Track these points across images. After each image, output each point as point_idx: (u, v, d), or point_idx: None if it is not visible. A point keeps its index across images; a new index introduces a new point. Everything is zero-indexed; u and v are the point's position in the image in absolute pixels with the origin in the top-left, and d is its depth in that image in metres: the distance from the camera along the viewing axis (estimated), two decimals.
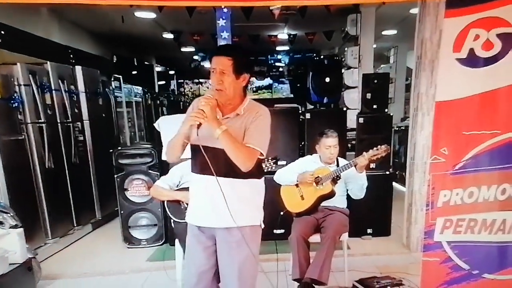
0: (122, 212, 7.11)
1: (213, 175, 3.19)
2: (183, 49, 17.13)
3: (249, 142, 3.29)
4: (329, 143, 5.37)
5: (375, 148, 5.10)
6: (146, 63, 17.05)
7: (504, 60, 3.24)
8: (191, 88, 22.41)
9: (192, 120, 3.09)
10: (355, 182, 5.35)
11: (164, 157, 3.44)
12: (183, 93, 22.04)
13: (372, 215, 7.03)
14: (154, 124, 6.51)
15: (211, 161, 3.16)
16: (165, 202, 5.19)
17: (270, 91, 20.59)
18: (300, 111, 7.85)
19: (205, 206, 3.37)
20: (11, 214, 5.20)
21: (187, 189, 4.12)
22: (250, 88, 20.52)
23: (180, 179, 5.00)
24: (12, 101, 6.31)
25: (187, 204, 4.60)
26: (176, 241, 5.19)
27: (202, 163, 3.24)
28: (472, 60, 3.28)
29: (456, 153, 3.43)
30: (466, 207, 3.48)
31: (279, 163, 5.51)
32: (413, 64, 6.50)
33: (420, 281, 3.71)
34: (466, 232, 3.50)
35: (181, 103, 19.04)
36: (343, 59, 11.34)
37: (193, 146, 3.31)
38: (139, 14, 10.94)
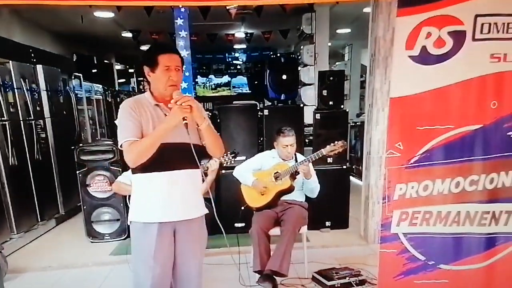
0: (85, 207, 7.08)
1: (180, 170, 3.25)
2: (142, 48, 16.77)
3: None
4: (286, 142, 5.40)
5: (332, 144, 5.16)
6: (106, 61, 16.92)
7: (455, 57, 3.27)
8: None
9: (183, 113, 3.06)
10: (305, 186, 5.44)
11: (131, 162, 3.16)
12: (143, 90, 21.52)
13: (330, 208, 7.07)
14: (116, 121, 6.45)
15: (177, 156, 3.22)
16: (127, 197, 5.16)
17: (229, 88, 20.65)
18: (258, 108, 7.86)
19: (174, 201, 3.32)
20: None
21: None
22: (209, 85, 20.59)
23: None
24: None
25: None
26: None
27: (172, 159, 3.23)
28: (424, 57, 3.29)
29: (411, 147, 3.45)
30: (421, 200, 3.50)
31: (239, 158, 5.53)
32: (367, 61, 6.55)
33: (378, 272, 3.73)
34: (422, 224, 3.52)
35: None
36: (299, 57, 11.41)
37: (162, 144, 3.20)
38: (98, 14, 10.85)
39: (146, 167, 3.25)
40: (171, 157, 3.21)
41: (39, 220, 7.78)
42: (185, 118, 3.08)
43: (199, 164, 3.35)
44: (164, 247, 3.37)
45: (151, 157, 3.17)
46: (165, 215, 3.33)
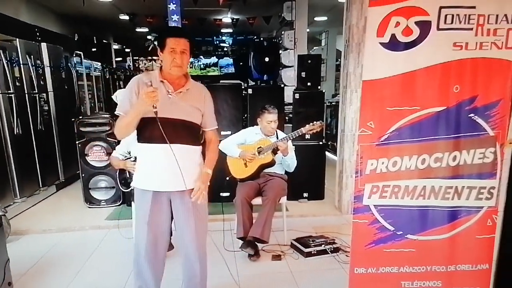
0: (83, 175, 7.17)
1: (167, 143, 3.23)
2: (138, 30, 17.34)
3: (213, 125, 3.67)
4: (270, 118, 5.43)
5: (311, 124, 5.24)
6: (104, 41, 16.99)
7: (421, 45, 3.24)
8: (145, 64, 22.91)
9: (151, 101, 3.07)
10: (283, 161, 5.47)
11: (116, 135, 3.34)
12: (138, 68, 22.24)
13: (307, 181, 7.13)
14: (112, 96, 6.46)
15: (167, 131, 3.23)
16: (117, 172, 5.17)
17: (217, 68, 20.77)
18: (243, 87, 7.88)
19: (164, 172, 3.37)
20: None
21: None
22: (198, 65, 20.66)
23: (127, 148, 4.91)
24: None
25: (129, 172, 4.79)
26: (133, 203, 5.13)
27: (159, 134, 3.23)
28: (393, 44, 3.27)
29: (381, 126, 3.43)
30: (390, 174, 3.49)
31: (224, 133, 5.53)
32: (342, 46, 6.54)
33: (351, 240, 3.73)
34: (391, 197, 3.52)
35: None
36: (280, 41, 11.39)
37: (147, 119, 3.25)
38: None
39: (147, 138, 3.37)
40: (169, 131, 3.25)
41: (41, 186, 7.85)
42: (155, 106, 3.12)
43: (199, 141, 3.58)
44: (158, 213, 3.46)
45: (152, 129, 3.27)
46: (159, 185, 3.41)
